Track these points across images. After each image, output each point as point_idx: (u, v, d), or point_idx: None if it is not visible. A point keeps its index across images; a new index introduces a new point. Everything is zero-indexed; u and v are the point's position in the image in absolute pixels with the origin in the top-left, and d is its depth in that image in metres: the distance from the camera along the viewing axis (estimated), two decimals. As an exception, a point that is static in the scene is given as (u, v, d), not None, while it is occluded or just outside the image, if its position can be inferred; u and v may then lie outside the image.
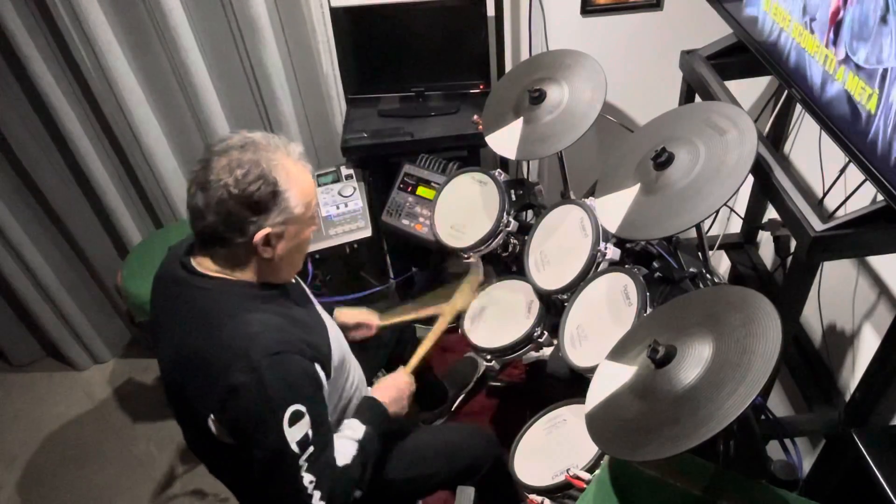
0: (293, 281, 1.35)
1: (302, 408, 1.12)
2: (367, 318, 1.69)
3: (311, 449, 1.14)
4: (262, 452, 1.12)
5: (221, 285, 1.18)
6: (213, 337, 1.13)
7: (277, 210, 1.15)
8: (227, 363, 1.10)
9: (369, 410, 1.38)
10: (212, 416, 1.15)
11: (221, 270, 1.20)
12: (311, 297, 1.42)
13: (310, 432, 1.14)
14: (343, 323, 1.62)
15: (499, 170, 1.90)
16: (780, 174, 1.34)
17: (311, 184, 1.23)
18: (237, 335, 1.12)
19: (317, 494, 1.15)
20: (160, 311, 1.27)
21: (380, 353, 1.75)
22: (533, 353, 1.79)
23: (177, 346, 1.20)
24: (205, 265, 1.20)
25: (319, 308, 1.40)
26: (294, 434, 1.12)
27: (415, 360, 1.61)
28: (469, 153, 2.22)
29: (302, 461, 1.13)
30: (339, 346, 1.34)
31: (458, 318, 1.80)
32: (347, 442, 1.29)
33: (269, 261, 1.19)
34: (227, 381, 1.10)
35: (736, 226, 2.28)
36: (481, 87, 2.24)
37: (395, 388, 1.47)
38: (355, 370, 1.45)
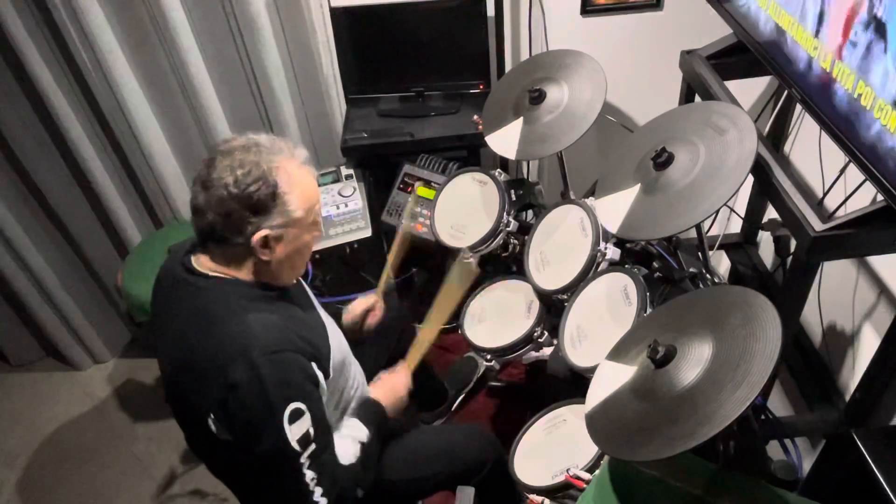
0: (294, 282, 1.35)
1: (302, 405, 1.12)
2: (369, 301, 1.67)
3: (313, 447, 1.14)
4: (263, 451, 1.12)
5: (220, 285, 1.18)
6: (211, 335, 1.13)
7: (277, 212, 1.15)
8: (226, 361, 1.10)
9: (370, 411, 1.38)
10: (211, 414, 1.15)
11: (219, 269, 1.20)
12: (314, 299, 1.42)
13: (311, 430, 1.13)
14: (353, 319, 1.62)
15: (499, 170, 1.90)
16: (780, 174, 1.34)
17: (315, 189, 1.22)
18: (236, 334, 1.12)
19: (318, 491, 1.14)
20: (161, 311, 1.28)
21: (381, 353, 1.75)
22: (533, 353, 1.79)
23: (175, 346, 1.20)
24: (204, 264, 1.21)
25: (321, 311, 1.40)
26: (295, 432, 1.11)
27: (414, 360, 1.61)
28: (469, 153, 2.23)
29: (304, 459, 1.13)
30: (339, 346, 1.34)
31: (458, 315, 1.79)
32: (350, 442, 1.29)
33: (268, 263, 1.19)
34: (226, 380, 1.10)
35: (736, 226, 2.28)
36: (481, 87, 2.24)
37: (393, 388, 1.47)
38: (356, 372, 1.45)
